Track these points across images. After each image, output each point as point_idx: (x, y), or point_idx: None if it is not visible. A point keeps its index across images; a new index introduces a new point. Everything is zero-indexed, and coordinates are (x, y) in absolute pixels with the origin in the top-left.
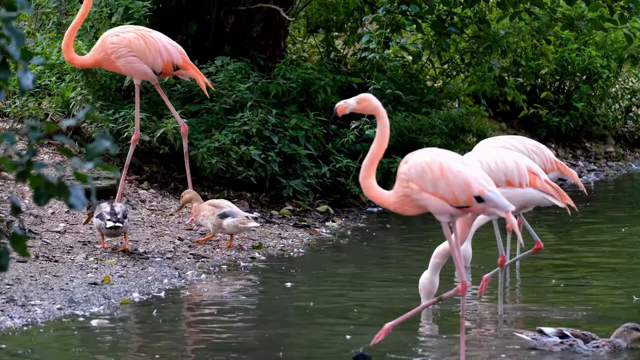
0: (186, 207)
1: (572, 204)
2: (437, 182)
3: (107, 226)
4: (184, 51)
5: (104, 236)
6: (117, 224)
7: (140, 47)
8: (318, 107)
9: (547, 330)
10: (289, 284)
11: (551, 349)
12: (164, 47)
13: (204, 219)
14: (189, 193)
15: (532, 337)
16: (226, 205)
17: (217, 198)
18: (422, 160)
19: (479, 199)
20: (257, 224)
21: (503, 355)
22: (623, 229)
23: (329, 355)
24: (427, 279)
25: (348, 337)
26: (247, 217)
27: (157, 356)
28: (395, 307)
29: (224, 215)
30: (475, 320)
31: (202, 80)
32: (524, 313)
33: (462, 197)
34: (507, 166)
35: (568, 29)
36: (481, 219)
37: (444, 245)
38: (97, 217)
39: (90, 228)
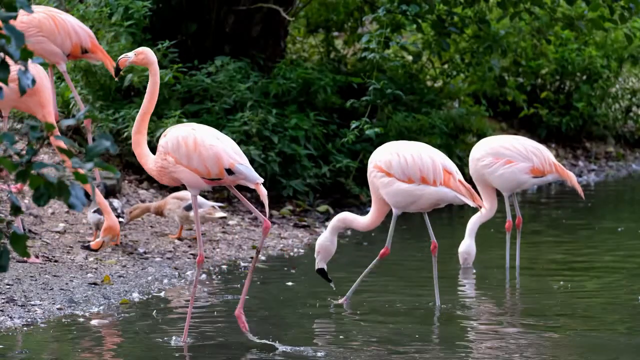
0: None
1: (482, 205)
2: (191, 155)
3: None
4: (93, 35)
5: (97, 231)
6: (121, 219)
7: (49, 28)
8: (318, 107)
9: None
10: (289, 284)
11: None
12: (73, 29)
13: (170, 212)
14: (138, 208)
15: None
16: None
17: (217, 198)
18: (178, 134)
19: (230, 171)
20: (224, 214)
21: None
22: (619, 229)
23: (330, 355)
24: (327, 239)
25: (341, 337)
26: (213, 206)
27: (157, 356)
28: (395, 306)
29: (189, 208)
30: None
31: (111, 65)
32: (526, 313)
33: (214, 169)
34: (423, 162)
35: (568, 29)
36: (482, 217)
37: (345, 214)
38: (94, 212)
39: (91, 228)
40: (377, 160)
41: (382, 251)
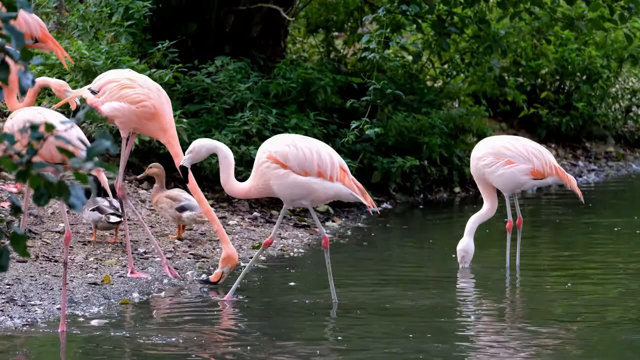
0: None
1: (374, 205)
2: None
3: (111, 221)
4: (43, 24)
5: (96, 229)
6: (121, 219)
7: None
8: (318, 107)
9: None
10: (289, 284)
11: None
12: (23, 18)
13: (161, 210)
14: (156, 167)
15: None
16: (184, 197)
17: (217, 198)
18: (24, 118)
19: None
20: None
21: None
22: (616, 228)
23: (331, 354)
24: (204, 146)
25: (340, 337)
26: None
27: (157, 357)
28: (395, 306)
29: (182, 209)
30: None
31: (62, 54)
32: (526, 312)
33: (57, 155)
34: (321, 157)
35: (568, 29)
36: (482, 216)
37: (232, 160)
38: (92, 210)
39: (91, 228)
40: (273, 152)
41: (266, 240)
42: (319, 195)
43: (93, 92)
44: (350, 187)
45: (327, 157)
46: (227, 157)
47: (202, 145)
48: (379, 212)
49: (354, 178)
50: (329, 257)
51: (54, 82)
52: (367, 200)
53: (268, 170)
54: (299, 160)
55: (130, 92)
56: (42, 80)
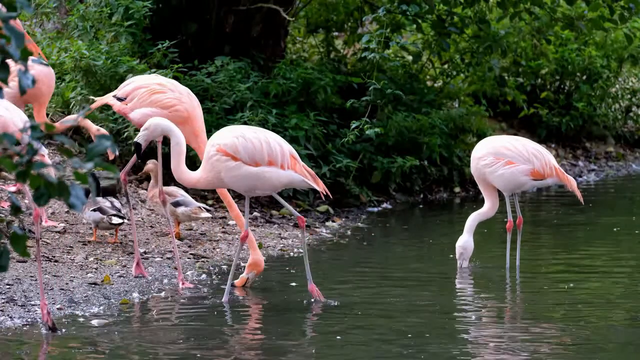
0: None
1: (327, 191)
2: None
3: (114, 222)
4: (18, 22)
5: (96, 229)
6: (123, 221)
7: None
8: (318, 107)
9: None
10: (288, 284)
11: None
12: None
13: (157, 205)
14: (152, 163)
15: None
16: (180, 194)
17: (217, 198)
18: None
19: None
20: (209, 215)
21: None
22: (615, 229)
23: (330, 353)
24: (161, 125)
25: (338, 337)
26: (199, 207)
27: (157, 357)
28: (396, 306)
29: (177, 204)
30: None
31: (36, 53)
32: (526, 312)
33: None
34: (270, 146)
35: (568, 29)
36: (483, 214)
37: (183, 151)
38: (93, 210)
39: (91, 228)
40: (222, 144)
41: (241, 235)
42: (273, 183)
43: (119, 99)
44: (302, 174)
45: (276, 145)
46: (179, 143)
47: (158, 124)
48: (331, 197)
49: (305, 165)
50: (305, 237)
51: (95, 129)
52: (320, 185)
53: (218, 163)
54: (249, 152)
55: (162, 97)
56: (81, 120)
